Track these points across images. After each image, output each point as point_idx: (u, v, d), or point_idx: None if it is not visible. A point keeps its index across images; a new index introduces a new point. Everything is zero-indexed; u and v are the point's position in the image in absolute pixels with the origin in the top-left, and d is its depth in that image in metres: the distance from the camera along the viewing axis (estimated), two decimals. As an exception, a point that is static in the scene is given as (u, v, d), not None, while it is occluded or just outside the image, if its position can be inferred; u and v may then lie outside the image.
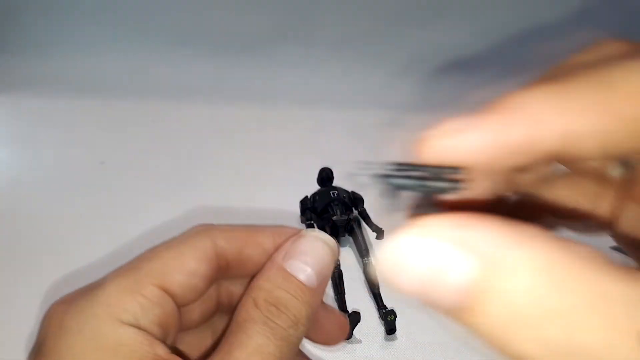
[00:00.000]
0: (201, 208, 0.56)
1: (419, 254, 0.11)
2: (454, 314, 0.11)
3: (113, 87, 0.73)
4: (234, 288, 0.23)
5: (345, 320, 0.24)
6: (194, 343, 0.22)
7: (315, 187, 0.56)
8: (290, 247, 0.20)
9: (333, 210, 0.52)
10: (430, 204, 0.13)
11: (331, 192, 0.53)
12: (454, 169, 0.13)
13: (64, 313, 0.18)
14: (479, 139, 0.13)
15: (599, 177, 0.18)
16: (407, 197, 0.13)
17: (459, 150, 0.13)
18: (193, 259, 0.20)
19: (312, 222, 0.53)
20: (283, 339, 0.18)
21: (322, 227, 0.52)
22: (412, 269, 0.11)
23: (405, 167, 0.13)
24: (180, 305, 0.20)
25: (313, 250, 0.20)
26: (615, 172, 0.16)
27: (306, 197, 0.55)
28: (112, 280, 0.19)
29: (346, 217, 0.51)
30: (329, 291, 0.48)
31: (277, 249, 0.21)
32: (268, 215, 0.56)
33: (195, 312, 0.22)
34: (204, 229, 0.21)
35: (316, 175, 0.57)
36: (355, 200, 0.53)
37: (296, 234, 0.21)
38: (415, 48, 0.77)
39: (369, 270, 0.49)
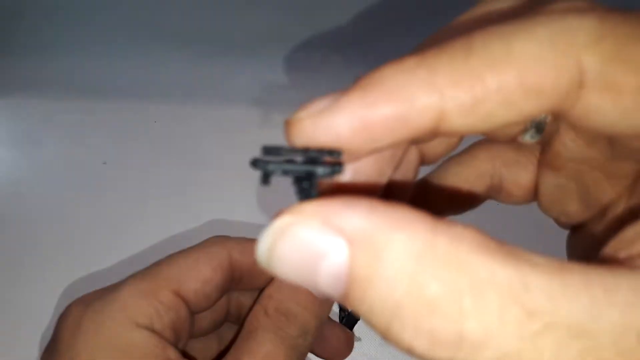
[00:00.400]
0: (216, 221, 0.56)
1: (292, 242, 0.10)
2: (339, 300, 0.11)
3: (115, 88, 0.73)
4: (244, 299, 0.24)
5: (351, 336, 0.24)
6: (201, 350, 0.23)
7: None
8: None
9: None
10: (312, 189, 0.12)
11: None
12: (333, 151, 0.12)
13: (81, 313, 0.19)
14: (343, 121, 0.12)
15: (516, 145, 0.17)
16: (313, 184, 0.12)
17: (326, 133, 0.12)
18: (208, 268, 0.21)
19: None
20: (292, 347, 0.19)
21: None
22: (288, 257, 0.11)
23: (283, 151, 0.12)
24: (193, 311, 0.21)
25: None
26: (527, 137, 0.16)
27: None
28: (129, 284, 0.20)
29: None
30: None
31: None
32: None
33: (205, 319, 0.23)
34: (220, 240, 0.22)
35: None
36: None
37: None
38: (414, 48, 0.77)
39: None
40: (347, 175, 0.14)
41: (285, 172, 0.12)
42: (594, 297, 0.09)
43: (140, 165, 0.63)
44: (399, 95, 0.11)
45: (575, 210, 0.17)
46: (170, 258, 0.21)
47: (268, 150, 0.12)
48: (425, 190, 0.19)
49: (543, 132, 0.16)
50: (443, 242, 0.09)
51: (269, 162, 0.12)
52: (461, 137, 0.17)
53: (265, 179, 0.12)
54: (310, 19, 0.74)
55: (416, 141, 0.16)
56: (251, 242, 0.23)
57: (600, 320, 0.09)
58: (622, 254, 0.10)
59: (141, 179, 0.61)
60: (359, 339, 0.46)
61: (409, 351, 0.10)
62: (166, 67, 0.76)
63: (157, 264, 0.21)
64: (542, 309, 0.09)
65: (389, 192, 0.16)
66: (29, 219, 0.55)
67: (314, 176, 0.12)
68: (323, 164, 0.12)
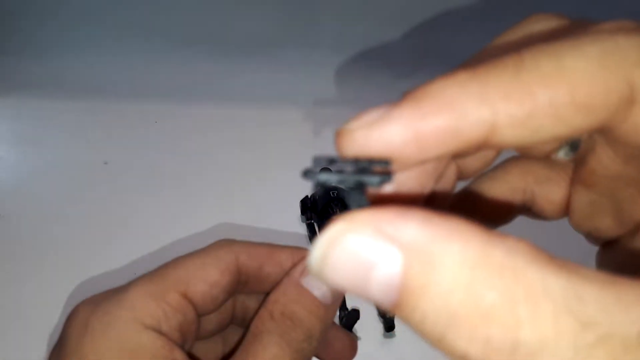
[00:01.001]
0: (224, 224, 0.56)
1: (346, 250, 0.11)
2: (390, 309, 0.11)
3: (115, 88, 0.73)
4: (250, 302, 0.24)
5: (354, 340, 0.24)
6: (206, 351, 0.23)
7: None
8: (307, 264, 0.21)
9: (333, 209, 0.52)
10: (363, 197, 0.13)
11: (331, 192, 0.54)
12: (381, 161, 0.12)
13: (89, 314, 0.19)
14: (396, 131, 0.12)
15: (549, 162, 0.18)
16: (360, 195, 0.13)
17: (378, 143, 0.12)
18: (216, 270, 0.21)
19: (312, 221, 0.54)
20: (297, 351, 0.19)
21: (322, 227, 0.52)
22: (341, 265, 0.11)
23: (334, 161, 0.13)
24: (200, 314, 0.21)
25: None
26: (561, 154, 0.16)
27: (306, 196, 0.56)
28: (137, 285, 0.20)
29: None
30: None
31: (294, 266, 0.22)
32: (282, 238, 0.57)
33: (211, 322, 0.23)
34: (227, 244, 0.22)
35: (316, 175, 0.58)
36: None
37: None
38: (415, 48, 0.77)
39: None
40: (391, 185, 0.14)
41: (337, 183, 0.13)
42: None
43: (141, 165, 0.63)
44: (451, 107, 0.12)
45: (607, 226, 0.17)
46: (177, 260, 0.21)
47: (318, 160, 0.13)
48: (460, 204, 0.19)
49: (577, 150, 0.16)
50: (498, 252, 0.10)
51: (320, 172, 0.13)
52: (498, 153, 0.17)
53: (318, 188, 0.13)
54: (311, 21, 0.74)
55: (459, 155, 0.16)
56: (258, 245, 0.23)
57: None
58: None
59: (143, 179, 0.61)
60: (359, 338, 0.46)
61: (463, 359, 0.10)
62: (167, 67, 0.76)
63: (165, 266, 0.21)
64: (597, 320, 0.09)
65: (429, 204, 0.16)
66: (29, 219, 0.56)
67: (365, 185, 0.12)
68: (373, 173, 0.12)
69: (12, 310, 0.46)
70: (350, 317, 0.46)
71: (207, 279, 0.21)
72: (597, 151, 0.15)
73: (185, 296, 0.20)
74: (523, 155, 0.19)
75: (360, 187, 0.12)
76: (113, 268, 0.49)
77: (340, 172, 0.12)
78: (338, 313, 0.47)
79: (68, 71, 0.74)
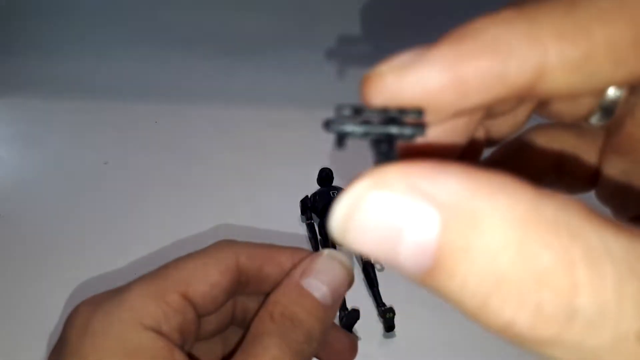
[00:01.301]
0: (224, 225, 0.56)
1: (373, 209, 0.09)
2: (420, 278, 0.09)
3: (115, 88, 0.73)
4: (250, 303, 0.24)
5: (355, 341, 0.24)
6: (206, 352, 0.23)
7: (315, 187, 0.57)
8: (307, 265, 0.21)
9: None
10: (392, 151, 0.11)
11: (331, 192, 0.54)
12: (414, 111, 0.11)
13: (90, 314, 0.19)
14: (434, 74, 0.11)
15: (578, 130, 0.16)
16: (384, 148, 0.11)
17: (412, 89, 0.11)
18: (216, 271, 0.21)
19: (312, 221, 0.54)
20: (297, 353, 0.19)
21: (322, 227, 0.52)
22: (368, 227, 0.09)
23: (360, 111, 0.11)
24: (200, 315, 0.21)
25: (329, 270, 0.21)
26: (594, 120, 0.15)
27: (306, 196, 0.56)
28: (138, 286, 0.20)
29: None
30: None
31: (294, 267, 0.22)
32: (280, 238, 0.57)
33: (211, 323, 0.23)
34: (228, 244, 0.22)
35: (316, 175, 0.58)
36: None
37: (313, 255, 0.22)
38: (414, 48, 0.77)
39: (367, 266, 0.50)
40: (423, 139, 0.12)
41: (364, 134, 0.11)
42: None
43: (141, 165, 0.63)
44: (497, 47, 0.10)
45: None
46: (178, 261, 0.21)
47: (341, 109, 0.11)
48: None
49: (612, 114, 0.15)
50: (550, 209, 0.09)
51: (343, 122, 0.10)
52: (529, 115, 0.15)
53: (340, 141, 0.11)
54: (310, 21, 0.74)
55: (498, 108, 0.14)
56: (258, 246, 0.23)
57: None
58: None
59: (143, 179, 0.61)
60: (359, 338, 0.46)
61: (506, 329, 0.09)
62: (167, 67, 0.76)
63: (165, 266, 0.21)
64: None
65: (460, 154, 0.14)
66: (29, 219, 0.56)
67: (394, 138, 0.11)
68: (405, 124, 0.10)
69: (12, 310, 0.46)
70: (350, 317, 0.46)
71: (207, 280, 0.21)
72: (637, 114, 0.14)
73: (185, 297, 0.20)
74: (551, 122, 0.17)
75: (390, 140, 0.11)
76: (113, 268, 0.49)
77: (366, 122, 0.11)
78: (338, 313, 0.47)
79: (68, 71, 0.74)
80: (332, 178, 0.57)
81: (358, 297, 0.49)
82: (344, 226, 0.10)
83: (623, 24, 0.10)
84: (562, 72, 0.10)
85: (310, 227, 0.54)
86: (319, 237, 0.53)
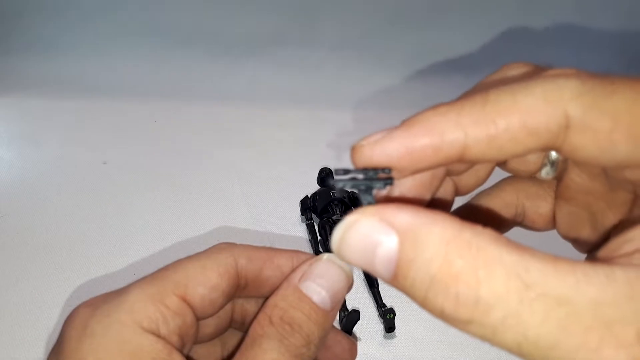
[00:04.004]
0: (223, 228, 0.56)
1: (357, 233, 0.14)
2: (389, 281, 0.14)
3: (115, 88, 0.73)
4: (249, 306, 0.24)
5: (354, 344, 0.24)
6: (205, 355, 0.23)
7: (315, 187, 0.57)
8: (307, 269, 0.21)
9: (333, 210, 0.52)
10: (371, 197, 0.17)
11: (331, 192, 0.54)
12: (384, 170, 0.17)
13: (88, 315, 0.19)
14: (394, 147, 0.16)
15: (537, 180, 0.21)
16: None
17: (380, 157, 0.17)
18: (215, 274, 0.21)
19: (312, 221, 0.54)
20: (296, 357, 0.19)
21: (322, 227, 0.52)
22: (353, 244, 0.15)
23: (349, 171, 0.17)
24: (198, 317, 0.21)
25: (329, 274, 0.21)
26: (543, 173, 0.20)
27: (306, 196, 0.56)
28: (137, 288, 0.20)
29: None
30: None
31: (293, 270, 0.22)
32: (280, 240, 0.56)
33: (210, 325, 0.23)
34: (227, 247, 0.22)
35: (316, 175, 0.58)
36: (354, 200, 0.54)
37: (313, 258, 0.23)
38: (414, 49, 0.77)
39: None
40: (397, 191, 0.19)
41: (353, 186, 0.17)
42: (577, 279, 0.12)
43: (140, 165, 0.63)
44: (433, 131, 0.16)
45: (587, 234, 0.21)
46: (177, 263, 0.21)
47: (337, 171, 0.17)
48: (461, 216, 0.21)
49: (556, 169, 0.20)
50: (467, 234, 0.13)
51: (339, 180, 0.17)
52: (489, 173, 0.21)
53: (340, 191, 0.16)
54: (310, 21, 0.74)
55: (450, 171, 0.20)
56: (257, 249, 0.23)
57: (580, 294, 0.12)
58: (603, 254, 0.14)
59: (142, 179, 0.61)
60: (359, 339, 0.46)
61: (441, 314, 0.13)
62: (166, 66, 0.76)
63: (164, 269, 0.21)
64: (537, 283, 0.12)
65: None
66: (28, 219, 0.55)
67: (372, 188, 0.17)
68: (379, 179, 0.17)
69: (12, 311, 0.46)
70: (350, 318, 0.46)
71: (206, 283, 0.21)
72: (569, 170, 0.19)
73: (184, 299, 0.20)
74: (514, 175, 0.22)
75: (369, 189, 0.17)
76: (112, 269, 0.49)
77: (353, 179, 0.17)
78: (338, 314, 0.47)
79: (67, 71, 0.74)
80: (332, 178, 0.57)
81: (358, 297, 0.49)
82: (339, 243, 0.15)
83: (515, 116, 0.15)
84: (477, 147, 0.16)
85: (310, 227, 0.53)
86: (318, 237, 0.52)
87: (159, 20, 0.74)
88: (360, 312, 0.46)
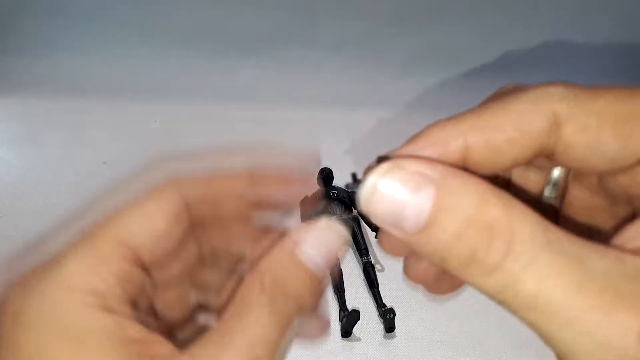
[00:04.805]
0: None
1: (394, 180, 0.15)
2: (416, 232, 0.15)
3: (115, 87, 0.73)
4: (216, 240, 0.22)
5: (327, 320, 0.23)
6: (174, 301, 0.22)
7: (315, 187, 0.57)
8: (304, 232, 0.20)
9: (333, 210, 0.52)
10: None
11: (331, 192, 0.54)
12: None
13: (22, 299, 0.16)
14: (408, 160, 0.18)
15: (540, 204, 0.23)
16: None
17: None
18: (161, 220, 0.19)
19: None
20: (287, 326, 0.18)
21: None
22: (387, 195, 0.15)
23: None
24: (152, 271, 0.19)
25: (326, 241, 0.20)
26: (546, 193, 0.21)
27: (306, 196, 0.56)
28: (72, 256, 0.17)
29: (345, 217, 0.51)
30: (328, 290, 0.48)
31: (288, 233, 0.20)
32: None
33: (172, 268, 0.21)
34: (170, 183, 0.20)
35: (316, 175, 0.58)
36: (354, 200, 0.54)
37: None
38: (414, 48, 0.77)
39: (367, 267, 0.49)
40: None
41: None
42: (593, 249, 0.14)
43: (140, 165, 0.63)
44: (436, 141, 0.17)
45: None
46: (116, 216, 0.19)
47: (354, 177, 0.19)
48: None
49: (558, 188, 0.21)
50: (496, 190, 0.15)
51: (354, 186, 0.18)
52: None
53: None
54: (310, 21, 0.74)
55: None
56: (205, 177, 0.21)
57: (596, 261, 0.14)
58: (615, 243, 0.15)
59: (142, 179, 0.61)
60: (359, 339, 0.46)
61: (470, 258, 0.14)
62: (166, 66, 0.76)
63: (102, 225, 0.19)
64: (558, 242, 0.14)
65: None
66: (28, 219, 0.55)
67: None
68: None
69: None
70: (350, 318, 0.45)
71: (152, 233, 0.18)
72: (571, 187, 0.20)
73: (130, 260, 0.18)
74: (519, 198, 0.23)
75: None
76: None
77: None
78: (338, 314, 0.47)
79: (67, 71, 0.74)
80: (332, 178, 0.57)
81: (358, 297, 0.49)
82: (370, 194, 0.15)
83: (509, 121, 0.17)
84: (477, 151, 0.17)
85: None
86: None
87: (159, 21, 0.74)
88: (360, 312, 0.46)
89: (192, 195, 0.20)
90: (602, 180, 0.19)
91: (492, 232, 0.14)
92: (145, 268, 0.18)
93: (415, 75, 0.78)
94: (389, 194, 0.15)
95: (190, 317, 0.23)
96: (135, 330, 0.17)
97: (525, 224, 0.14)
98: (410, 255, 0.20)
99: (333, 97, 0.74)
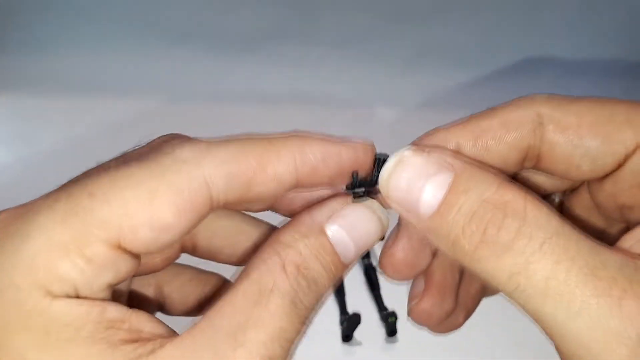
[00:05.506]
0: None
1: (411, 167, 0.16)
2: (432, 213, 0.15)
3: (112, 86, 0.73)
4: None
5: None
6: (178, 287, 0.21)
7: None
8: (338, 210, 0.17)
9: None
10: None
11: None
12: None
13: None
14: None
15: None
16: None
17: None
18: (170, 209, 0.14)
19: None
20: (306, 321, 0.15)
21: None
22: (407, 177, 0.16)
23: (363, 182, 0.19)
24: (140, 258, 0.16)
25: (362, 224, 0.17)
26: (555, 198, 0.22)
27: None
28: (42, 230, 0.14)
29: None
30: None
31: (320, 204, 0.17)
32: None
33: (157, 258, 0.19)
34: (194, 158, 0.15)
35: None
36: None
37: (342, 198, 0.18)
38: (415, 46, 0.77)
39: (370, 271, 0.49)
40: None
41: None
42: (604, 246, 0.14)
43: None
44: (440, 143, 0.18)
45: None
46: (108, 183, 0.14)
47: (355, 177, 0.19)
48: None
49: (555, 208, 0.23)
50: (512, 182, 0.16)
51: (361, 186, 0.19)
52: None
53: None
54: (310, 18, 0.73)
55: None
56: (245, 152, 0.17)
57: (608, 252, 0.14)
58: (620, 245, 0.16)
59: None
60: (360, 344, 0.46)
61: (482, 237, 0.15)
62: (166, 65, 0.76)
63: (89, 195, 0.14)
64: (571, 232, 0.14)
65: None
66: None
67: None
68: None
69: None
70: (351, 322, 0.45)
71: (154, 222, 0.14)
72: (567, 206, 0.21)
73: (117, 246, 0.14)
74: None
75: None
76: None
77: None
78: (339, 318, 0.47)
79: (65, 69, 0.74)
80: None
81: (359, 301, 0.48)
82: (391, 174, 0.16)
83: (495, 118, 0.18)
84: (467, 150, 0.18)
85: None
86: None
87: (156, 18, 0.74)
88: (362, 316, 0.45)
89: (219, 180, 0.16)
90: (593, 194, 0.19)
91: (506, 210, 0.15)
92: (133, 256, 0.15)
93: (418, 73, 0.77)
94: (407, 176, 0.16)
95: (200, 310, 0.21)
96: (114, 310, 0.14)
97: (541, 209, 0.15)
98: (414, 297, 0.21)
99: (334, 95, 0.74)
